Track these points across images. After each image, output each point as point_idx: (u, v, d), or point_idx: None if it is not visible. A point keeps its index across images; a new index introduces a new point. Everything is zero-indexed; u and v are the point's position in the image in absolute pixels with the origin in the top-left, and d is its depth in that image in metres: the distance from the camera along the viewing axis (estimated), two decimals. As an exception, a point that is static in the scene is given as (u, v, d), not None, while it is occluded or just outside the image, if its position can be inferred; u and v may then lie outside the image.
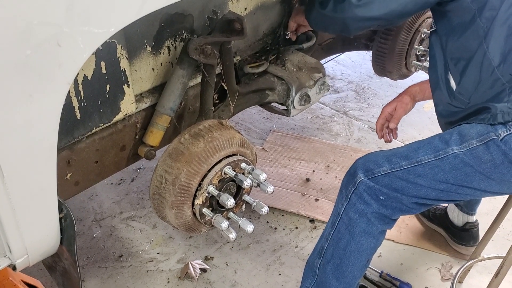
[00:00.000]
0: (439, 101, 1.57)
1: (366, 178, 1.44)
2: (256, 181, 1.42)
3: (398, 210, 1.45)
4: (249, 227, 1.39)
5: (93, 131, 1.39)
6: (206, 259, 2.07)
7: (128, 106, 1.43)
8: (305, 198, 2.35)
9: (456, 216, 2.07)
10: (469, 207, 2.03)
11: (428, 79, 1.63)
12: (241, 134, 1.50)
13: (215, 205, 1.45)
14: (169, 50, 1.52)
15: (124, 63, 1.36)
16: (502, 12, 1.35)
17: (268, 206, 1.45)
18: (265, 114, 2.95)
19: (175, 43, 1.53)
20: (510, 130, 1.32)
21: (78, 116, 1.32)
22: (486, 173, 1.35)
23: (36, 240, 1.14)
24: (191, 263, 2.01)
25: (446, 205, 2.14)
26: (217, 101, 1.70)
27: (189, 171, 1.36)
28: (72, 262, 1.25)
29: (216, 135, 1.41)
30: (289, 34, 1.88)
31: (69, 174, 1.40)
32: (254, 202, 1.46)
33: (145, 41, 1.44)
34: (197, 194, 1.39)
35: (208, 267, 2.03)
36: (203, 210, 1.41)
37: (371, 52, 2.41)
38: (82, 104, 1.31)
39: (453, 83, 1.48)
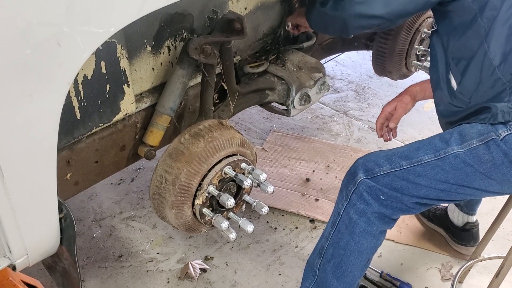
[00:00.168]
0: (440, 101, 1.57)
1: (367, 177, 1.44)
2: (256, 181, 1.42)
3: (399, 209, 1.45)
4: (249, 227, 1.39)
5: (93, 131, 1.39)
6: (206, 259, 2.07)
7: (128, 106, 1.43)
8: (305, 198, 2.35)
9: (456, 216, 2.07)
10: (469, 207, 2.03)
11: (429, 78, 1.63)
12: (241, 134, 1.50)
13: (215, 205, 1.45)
14: (169, 49, 1.52)
15: (124, 63, 1.36)
16: (503, 12, 1.35)
17: (268, 206, 1.45)
18: (265, 114, 2.95)
19: (175, 43, 1.52)
20: (510, 130, 1.32)
21: (78, 116, 1.32)
22: (487, 173, 1.35)
23: (36, 240, 1.14)
24: (191, 263, 2.01)
25: (446, 205, 2.14)
26: (217, 101, 1.70)
27: (189, 171, 1.36)
28: (72, 262, 1.24)
29: (216, 135, 1.41)
30: (289, 26, 1.87)
31: (69, 174, 1.40)
32: (254, 202, 1.46)
33: (145, 41, 1.44)
34: (197, 194, 1.39)
35: (208, 267, 2.03)
36: (203, 210, 1.41)
37: (371, 52, 2.41)
38: (82, 104, 1.31)
39: (454, 83, 1.48)
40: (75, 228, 1.19)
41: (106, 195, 2.37)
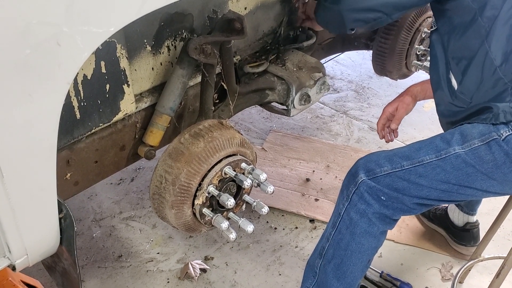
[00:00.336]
0: (440, 101, 1.56)
1: (367, 178, 1.44)
2: (256, 181, 1.42)
3: (399, 210, 1.45)
4: (249, 227, 1.39)
5: (93, 131, 1.38)
6: (206, 259, 2.07)
7: (128, 105, 1.43)
8: (305, 198, 2.35)
9: (457, 216, 2.07)
10: (469, 207, 2.02)
11: (429, 78, 1.63)
12: (241, 134, 1.49)
13: (215, 205, 1.44)
14: (169, 49, 1.52)
15: (124, 63, 1.35)
16: (504, 12, 1.35)
17: (268, 206, 1.45)
18: (265, 114, 2.95)
19: (175, 43, 1.52)
20: (512, 130, 1.32)
21: (78, 116, 1.32)
22: (488, 173, 1.35)
23: (36, 241, 1.13)
24: (191, 263, 2.01)
25: (447, 205, 2.14)
26: (217, 101, 1.70)
27: (189, 171, 1.36)
28: (71, 262, 1.24)
29: (216, 135, 1.41)
30: (299, 8, 1.86)
31: (69, 174, 1.39)
32: (254, 202, 1.45)
33: (145, 41, 1.44)
34: (197, 194, 1.39)
35: (208, 267, 2.03)
36: (203, 210, 1.41)
37: (371, 51, 2.41)
38: (82, 104, 1.31)
39: (454, 83, 1.48)
40: (75, 228, 1.18)
41: (106, 195, 2.37)
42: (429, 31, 2.04)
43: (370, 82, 3.32)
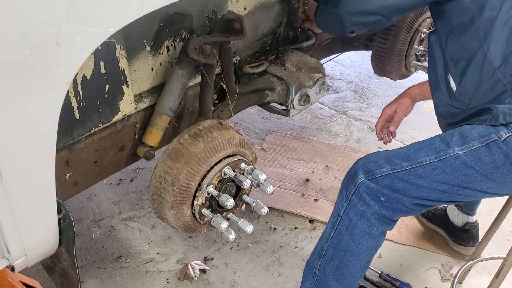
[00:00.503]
0: (439, 102, 1.56)
1: (367, 179, 1.44)
2: (256, 181, 1.42)
3: (399, 211, 1.45)
4: (249, 228, 1.39)
5: (92, 131, 1.38)
6: (206, 259, 2.06)
7: (127, 106, 1.43)
8: (305, 198, 2.35)
9: (456, 217, 2.07)
10: (469, 207, 2.03)
11: (428, 80, 1.63)
12: (241, 134, 1.49)
13: (215, 205, 1.44)
14: (168, 50, 1.52)
15: (123, 63, 1.35)
16: (503, 13, 1.35)
17: (268, 207, 1.45)
18: (264, 114, 2.95)
19: (174, 43, 1.52)
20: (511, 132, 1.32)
21: (77, 116, 1.31)
22: (488, 174, 1.35)
23: (35, 241, 1.13)
24: (190, 264, 2.01)
25: (446, 205, 2.14)
26: (217, 101, 1.70)
27: (189, 172, 1.36)
28: (71, 263, 1.24)
29: (215, 136, 1.40)
30: (299, 9, 1.86)
31: (68, 175, 1.39)
32: (253, 202, 1.45)
33: (144, 41, 1.44)
34: (196, 194, 1.39)
35: (207, 267, 2.03)
36: (203, 210, 1.41)
37: (370, 52, 2.41)
38: (81, 104, 1.30)
39: (453, 84, 1.48)
40: (74, 228, 1.18)
41: (105, 196, 2.37)
42: (428, 32, 2.05)
43: (369, 83, 3.32)
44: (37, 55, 0.90)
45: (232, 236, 1.39)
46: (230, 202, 1.36)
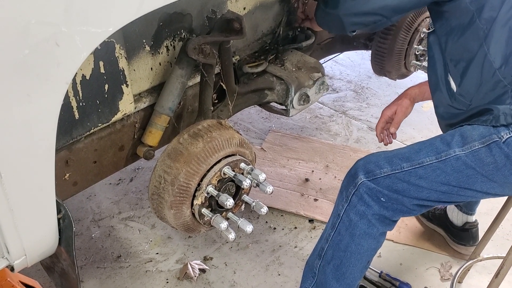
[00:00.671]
0: (439, 103, 1.56)
1: (367, 179, 1.43)
2: (255, 181, 1.42)
3: (399, 211, 1.45)
4: (248, 227, 1.39)
5: (92, 131, 1.38)
6: (205, 259, 2.06)
7: (126, 106, 1.43)
8: (304, 198, 2.35)
9: (456, 216, 2.07)
10: (468, 207, 2.03)
11: (427, 80, 1.63)
12: (240, 134, 1.49)
13: (214, 205, 1.44)
14: (167, 49, 1.52)
15: (122, 63, 1.35)
16: (503, 14, 1.34)
17: (267, 206, 1.45)
18: (264, 114, 2.95)
19: (173, 43, 1.52)
20: (513, 132, 1.32)
21: (77, 116, 1.31)
22: (488, 175, 1.34)
23: (34, 241, 1.13)
24: (190, 264, 2.01)
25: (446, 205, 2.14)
26: (216, 101, 1.70)
27: (188, 171, 1.35)
28: (70, 263, 1.24)
29: (215, 135, 1.40)
30: (300, 9, 1.86)
31: (68, 174, 1.39)
32: (253, 202, 1.45)
33: (144, 41, 1.43)
34: (196, 194, 1.39)
35: (207, 267, 2.03)
36: (202, 210, 1.41)
37: (370, 51, 2.41)
38: (81, 104, 1.30)
39: (453, 85, 1.48)
40: (74, 228, 1.18)
41: (104, 195, 2.37)
42: (427, 32, 2.05)
43: (369, 82, 3.32)
44: (36, 55, 0.90)
45: (231, 235, 1.39)
46: (229, 202, 1.35)
